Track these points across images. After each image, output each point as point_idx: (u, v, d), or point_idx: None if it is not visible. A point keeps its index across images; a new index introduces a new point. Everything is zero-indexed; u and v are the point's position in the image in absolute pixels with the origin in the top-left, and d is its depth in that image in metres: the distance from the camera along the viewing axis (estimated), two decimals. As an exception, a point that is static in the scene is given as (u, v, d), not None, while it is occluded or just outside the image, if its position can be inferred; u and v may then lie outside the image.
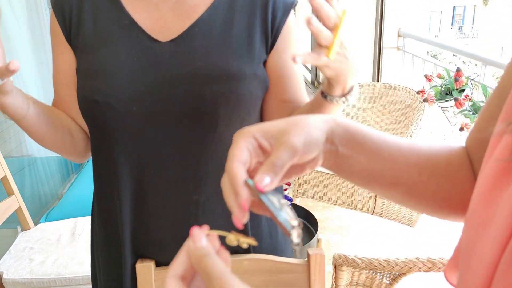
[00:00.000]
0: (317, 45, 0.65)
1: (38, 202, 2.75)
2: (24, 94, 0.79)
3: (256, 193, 0.42)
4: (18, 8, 2.69)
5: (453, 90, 2.16)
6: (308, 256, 0.89)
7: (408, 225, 2.04)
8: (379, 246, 2.27)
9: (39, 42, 2.82)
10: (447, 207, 0.51)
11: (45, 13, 2.81)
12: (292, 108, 0.86)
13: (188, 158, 0.80)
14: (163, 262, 0.88)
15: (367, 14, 2.96)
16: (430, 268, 1.27)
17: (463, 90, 2.16)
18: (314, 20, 0.61)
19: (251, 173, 0.45)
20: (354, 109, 2.72)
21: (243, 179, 0.43)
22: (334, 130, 0.49)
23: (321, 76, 3.56)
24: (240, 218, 0.43)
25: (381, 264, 1.32)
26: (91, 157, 0.91)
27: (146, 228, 0.85)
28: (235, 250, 0.88)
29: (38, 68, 2.81)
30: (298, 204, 2.29)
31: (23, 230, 1.93)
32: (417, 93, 2.33)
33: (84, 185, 2.52)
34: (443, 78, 2.29)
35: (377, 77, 3.02)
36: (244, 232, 0.87)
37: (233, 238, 0.43)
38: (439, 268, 1.26)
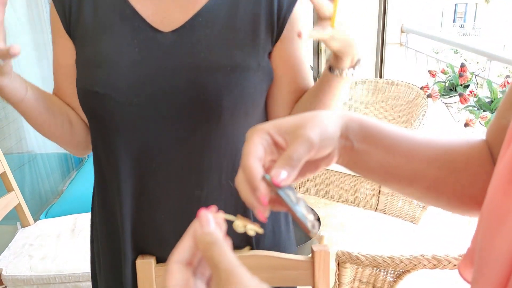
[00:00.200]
0: (318, 19, 0.66)
1: (38, 198, 2.73)
2: (22, 78, 0.78)
3: (273, 188, 0.41)
4: (18, 3, 2.67)
5: (457, 85, 2.14)
6: (313, 252, 0.87)
7: (411, 222, 2.02)
8: (382, 244, 2.25)
9: (39, 37, 2.80)
10: (468, 202, 0.49)
11: (45, 9, 2.78)
12: (299, 99, 0.84)
13: (191, 152, 0.78)
14: (164, 258, 0.86)
15: (370, 10, 2.94)
16: (435, 265, 1.25)
17: (467, 86, 2.14)
18: (306, 31, 0.62)
19: (266, 171, 0.44)
20: (357, 105, 2.70)
21: (260, 174, 0.42)
22: (349, 125, 0.47)
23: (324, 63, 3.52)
24: (263, 212, 0.42)
25: (385, 261, 1.30)
26: (91, 153, 0.89)
27: (147, 222, 0.83)
28: (237, 246, 0.86)
29: (38, 63, 2.79)
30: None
31: (22, 226, 1.91)
32: (421, 88, 2.31)
33: (84, 182, 2.50)
34: (447, 74, 2.27)
35: (380, 73, 2.99)
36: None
37: (240, 224, 0.41)
38: (445, 265, 1.24)
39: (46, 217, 2.16)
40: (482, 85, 2.21)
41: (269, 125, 0.45)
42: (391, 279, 1.41)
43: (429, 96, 2.22)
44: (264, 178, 0.42)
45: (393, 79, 2.63)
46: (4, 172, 1.79)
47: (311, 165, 0.48)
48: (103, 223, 0.89)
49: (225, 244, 0.35)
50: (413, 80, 2.59)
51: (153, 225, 0.83)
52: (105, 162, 0.83)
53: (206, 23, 0.77)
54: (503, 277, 0.35)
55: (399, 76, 2.85)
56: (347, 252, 1.34)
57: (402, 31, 3.04)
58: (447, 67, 2.36)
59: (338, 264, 1.37)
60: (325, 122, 0.45)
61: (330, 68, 0.75)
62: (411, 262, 1.27)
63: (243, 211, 0.81)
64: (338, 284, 1.41)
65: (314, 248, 0.87)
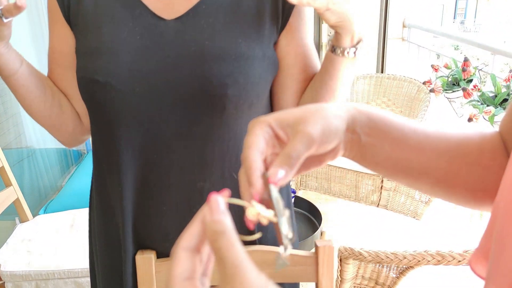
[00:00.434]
0: None
1: (37, 194, 2.72)
2: (17, 52, 0.77)
3: (269, 188, 0.39)
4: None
5: (460, 80, 2.11)
6: (316, 247, 0.85)
7: (414, 217, 2.00)
8: (384, 239, 2.23)
9: (37, 30, 2.78)
10: (481, 196, 0.48)
11: (43, 0, 2.76)
12: (304, 88, 0.82)
13: (193, 143, 0.76)
14: (164, 252, 0.84)
15: (371, 4, 2.91)
16: (439, 261, 1.23)
17: (470, 81, 2.12)
18: None
19: (267, 165, 0.42)
20: (358, 100, 2.68)
21: (260, 170, 0.40)
22: (356, 118, 0.46)
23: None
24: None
25: (388, 257, 1.28)
26: (90, 149, 0.87)
27: (148, 215, 0.81)
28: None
29: (37, 58, 2.76)
30: (301, 196, 2.25)
31: (21, 222, 1.90)
32: (424, 83, 2.28)
33: (84, 177, 2.49)
34: (450, 68, 2.25)
35: (382, 68, 2.97)
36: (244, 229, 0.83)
37: (254, 211, 0.39)
38: (449, 261, 1.22)
39: (45, 212, 2.14)
40: (485, 80, 2.19)
41: (270, 118, 0.43)
42: (394, 275, 1.39)
43: (431, 91, 2.20)
44: (263, 176, 0.40)
45: (395, 74, 2.61)
46: (2, 167, 1.78)
47: (315, 160, 0.46)
48: (102, 217, 0.87)
49: (234, 235, 0.33)
50: (415, 75, 2.57)
51: (154, 217, 0.81)
52: (105, 153, 0.81)
53: (209, 11, 0.75)
54: None
55: (401, 71, 2.83)
56: (349, 248, 1.32)
57: (404, 26, 3.01)
58: (451, 61, 2.34)
59: (341, 260, 1.35)
60: (329, 116, 0.44)
61: (333, 49, 0.74)
62: (414, 258, 1.26)
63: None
64: (340, 280, 1.40)
65: (318, 244, 0.85)
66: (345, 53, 0.73)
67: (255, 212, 0.38)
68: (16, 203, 1.84)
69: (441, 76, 2.29)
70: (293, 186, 2.47)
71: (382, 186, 2.09)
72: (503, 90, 1.93)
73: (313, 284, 0.89)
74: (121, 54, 0.73)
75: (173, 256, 0.35)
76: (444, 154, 0.47)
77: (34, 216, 1.95)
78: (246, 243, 0.89)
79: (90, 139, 0.88)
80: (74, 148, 3.14)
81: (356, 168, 2.22)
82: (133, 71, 0.73)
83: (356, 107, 0.47)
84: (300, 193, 2.42)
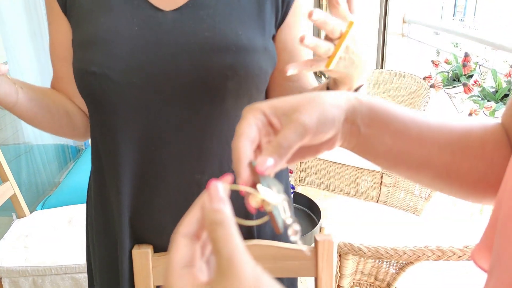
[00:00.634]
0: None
1: (34, 190, 2.71)
2: (10, 80, 0.75)
3: (257, 177, 0.38)
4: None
5: (461, 75, 2.10)
6: (316, 242, 0.84)
7: (413, 213, 1.99)
8: (384, 235, 2.22)
9: (35, 26, 2.76)
10: (483, 189, 0.46)
11: (41, -2, 2.74)
12: (297, 89, 0.81)
13: (192, 135, 0.75)
14: (162, 247, 0.83)
15: (372, 0, 2.89)
16: (439, 256, 1.22)
17: (471, 76, 2.10)
18: (309, 38, 0.57)
19: (258, 154, 0.41)
20: (358, 96, 2.66)
21: (247, 159, 0.39)
22: (356, 108, 0.44)
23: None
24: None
25: (388, 253, 1.27)
26: (89, 145, 0.86)
27: (145, 209, 0.80)
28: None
29: (35, 53, 2.74)
30: (300, 192, 2.24)
31: (18, 217, 1.88)
32: (424, 78, 2.27)
33: (82, 173, 2.47)
34: (451, 64, 2.23)
35: (381, 64, 2.96)
36: (246, 216, 0.82)
37: (258, 198, 0.37)
38: (449, 256, 1.21)
39: (42, 208, 2.13)
40: (485, 75, 2.18)
41: (265, 105, 0.42)
42: (394, 271, 1.38)
43: (432, 86, 2.18)
44: (250, 164, 0.39)
45: (395, 69, 2.59)
46: (-1, 162, 1.76)
47: (311, 149, 0.45)
48: (99, 211, 0.86)
49: (233, 226, 0.32)
50: (415, 71, 2.56)
51: (151, 211, 0.80)
52: (103, 146, 0.80)
53: (209, 2, 0.73)
54: None
55: (401, 67, 2.82)
56: (349, 243, 1.31)
57: (404, 22, 3.00)
58: (451, 56, 2.32)
59: (340, 255, 1.34)
60: (326, 105, 0.42)
61: (328, 89, 0.71)
62: (414, 254, 1.24)
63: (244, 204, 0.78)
64: (340, 276, 1.39)
65: (318, 238, 0.84)
66: None
67: (259, 199, 0.37)
68: (13, 198, 1.83)
69: (442, 72, 2.27)
70: (292, 182, 2.46)
71: (381, 182, 2.08)
72: (504, 85, 1.92)
73: (312, 279, 0.88)
74: (118, 45, 0.72)
75: (172, 243, 0.34)
76: (446, 146, 0.45)
77: (31, 212, 1.93)
78: (245, 237, 0.88)
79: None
80: (72, 144, 3.13)
81: (355, 164, 2.21)
82: (131, 63, 0.72)
83: (357, 97, 0.45)
84: (299, 189, 2.41)
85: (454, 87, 2.18)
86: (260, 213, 0.38)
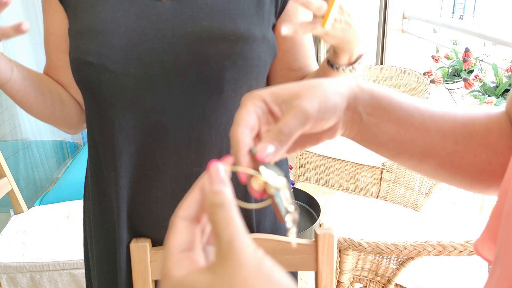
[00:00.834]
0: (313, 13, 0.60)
1: (33, 186, 2.69)
2: (6, 57, 0.73)
3: (257, 164, 0.36)
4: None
5: (461, 71, 2.09)
6: (316, 236, 0.83)
7: (414, 209, 1.98)
8: (383, 231, 2.21)
9: (33, 21, 2.74)
10: (487, 179, 0.45)
11: (39, -9, 2.72)
12: (300, 78, 0.80)
13: (190, 126, 0.74)
14: (160, 240, 0.82)
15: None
16: (440, 252, 1.21)
17: (471, 71, 2.09)
18: None
19: (258, 143, 0.39)
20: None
21: (247, 146, 0.37)
22: (358, 96, 0.43)
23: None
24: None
25: (388, 248, 1.26)
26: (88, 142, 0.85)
27: (143, 201, 0.79)
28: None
29: (33, 47, 2.73)
30: (299, 188, 2.23)
31: (16, 213, 1.87)
32: (424, 74, 2.26)
33: (80, 169, 2.46)
34: (451, 59, 2.22)
35: (381, 60, 2.95)
36: (246, 211, 0.81)
37: (261, 180, 0.36)
38: (450, 251, 1.21)
39: (40, 204, 2.12)
40: (486, 71, 2.17)
41: (265, 92, 0.41)
42: (394, 267, 1.37)
43: (432, 81, 2.17)
44: (250, 152, 0.37)
45: (394, 65, 2.58)
46: (-4, 157, 1.75)
47: (312, 137, 0.44)
48: (97, 204, 0.85)
49: (234, 208, 0.30)
50: (415, 67, 2.55)
51: (149, 203, 0.79)
52: (100, 137, 0.78)
53: None
54: None
55: (400, 62, 2.80)
56: (349, 238, 1.30)
57: (404, 17, 2.98)
58: (451, 51, 2.31)
59: (340, 251, 1.33)
60: (328, 92, 0.41)
61: (329, 62, 0.71)
62: (415, 249, 1.24)
63: (244, 189, 0.77)
64: (339, 272, 1.38)
65: (318, 232, 0.83)
66: (341, 69, 0.70)
67: (261, 181, 0.35)
68: (10, 194, 1.82)
69: (442, 67, 2.26)
70: (291, 178, 2.45)
71: (381, 177, 2.07)
72: (505, 80, 1.91)
73: (311, 276, 0.87)
74: (115, 35, 0.71)
75: (170, 226, 0.32)
76: (449, 135, 0.44)
77: (29, 208, 1.92)
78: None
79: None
80: (71, 140, 3.12)
81: (355, 160, 2.20)
82: (128, 52, 0.70)
83: (359, 84, 0.44)
84: (298, 185, 2.40)
85: (454, 82, 2.17)
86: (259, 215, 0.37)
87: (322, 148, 2.32)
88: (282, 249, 0.84)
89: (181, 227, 0.32)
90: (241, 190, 0.75)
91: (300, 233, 1.82)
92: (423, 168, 0.47)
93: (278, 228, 0.87)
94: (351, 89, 0.43)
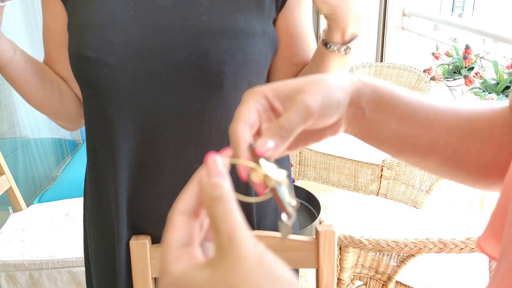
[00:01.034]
0: None
1: (31, 184, 2.69)
2: (10, 40, 0.73)
3: (257, 159, 0.36)
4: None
5: (461, 68, 2.08)
6: (317, 232, 0.82)
7: (414, 206, 1.98)
8: (384, 229, 2.21)
9: (31, 18, 2.73)
10: (492, 175, 0.45)
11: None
12: (300, 75, 0.79)
13: (190, 122, 0.73)
14: (159, 237, 0.81)
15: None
16: (441, 249, 1.21)
17: (472, 68, 2.08)
18: None
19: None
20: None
21: (246, 142, 0.37)
22: (361, 91, 0.42)
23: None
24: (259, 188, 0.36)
25: (389, 245, 1.26)
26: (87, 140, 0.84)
27: (143, 198, 0.78)
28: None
29: (31, 45, 2.72)
30: (299, 186, 2.23)
31: (14, 211, 1.86)
32: (424, 71, 2.25)
33: (79, 167, 2.46)
34: (451, 56, 2.21)
35: (381, 57, 2.94)
36: (246, 208, 0.80)
37: (260, 173, 0.35)
38: (451, 249, 1.20)
39: (39, 202, 2.11)
40: (486, 68, 2.16)
41: (266, 88, 0.40)
42: (395, 264, 1.37)
43: (432, 79, 2.17)
44: (250, 147, 0.37)
45: (394, 63, 2.57)
46: (-5, 155, 1.74)
47: (314, 134, 0.43)
48: (96, 201, 0.84)
49: (233, 201, 0.30)
50: (415, 64, 2.54)
51: (149, 200, 0.78)
52: (99, 134, 0.78)
53: None
54: None
55: (400, 60, 2.80)
56: (349, 236, 1.30)
57: (404, 15, 2.97)
58: (452, 49, 2.31)
59: (340, 248, 1.33)
60: (331, 87, 0.40)
61: (324, 42, 0.70)
62: (416, 246, 1.23)
63: (245, 186, 0.76)
64: (340, 269, 1.37)
65: (319, 228, 0.82)
66: (335, 49, 0.69)
67: (261, 173, 0.34)
68: (9, 192, 1.81)
69: (442, 64, 2.25)
70: (291, 176, 2.44)
71: (381, 175, 2.07)
72: (505, 77, 1.90)
73: (312, 274, 0.86)
74: (114, 30, 0.70)
75: (168, 221, 0.31)
76: (454, 130, 0.44)
77: (28, 205, 1.91)
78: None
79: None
80: (70, 138, 3.11)
81: (355, 157, 2.20)
82: (127, 47, 0.70)
83: (361, 79, 0.43)
84: (298, 183, 2.40)
85: (454, 79, 2.16)
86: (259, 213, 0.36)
87: (322, 145, 2.31)
88: (283, 246, 0.83)
89: (180, 221, 0.31)
90: (241, 185, 0.74)
91: (300, 230, 1.82)
92: (427, 164, 0.46)
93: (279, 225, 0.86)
94: (353, 84, 0.42)
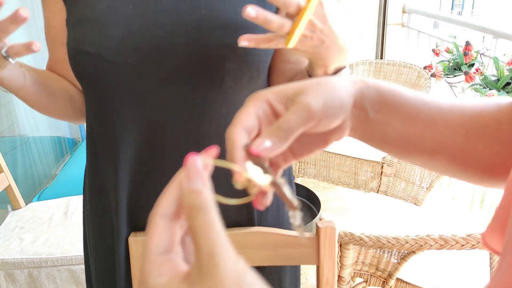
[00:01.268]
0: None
1: (31, 182, 2.68)
2: (19, 63, 0.73)
3: (254, 160, 0.35)
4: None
5: (462, 64, 2.08)
6: (318, 229, 0.82)
7: (414, 203, 1.97)
8: (384, 226, 2.21)
9: (30, 17, 2.72)
10: (500, 172, 0.44)
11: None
12: (295, 72, 0.78)
13: (190, 118, 0.73)
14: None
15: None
16: (442, 245, 1.20)
17: (472, 65, 2.08)
18: (257, 11, 0.52)
19: None
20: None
21: (241, 144, 0.36)
22: (364, 92, 0.41)
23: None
24: (260, 200, 0.36)
25: (389, 242, 1.25)
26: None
27: (142, 194, 0.78)
28: (237, 222, 0.81)
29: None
30: (299, 184, 2.22)
31: (13, 209, 1.86)
32: (424, 68, 2.25)
33: (79, 165, 2.45)
34: (452, 53, 2.21)
35: (381, 54, 2.93)
36: (247, 204, 0.79)
37: (244, 178, 0.34)
38: (452, 245, 1.20)
39: (38, 200, 2.10)
40: (487, 65, 2.15)
41: (268, 92, 0.39)
42: (395, 261, 1.36)
43: (432, 75, 2.16)
44: (246, 147, 0.36)
45: (394, 59, 2.57)
46: (-7, 153, 1.73)
47: (319, 139, 0.42)
48: (95, 198, 0.84)
49: (213, 211, 0.29)
50: (415, 61, 2.54)
51: (149, 196, 0.77)
52: (99, 129, 0.77)
53: None
54: None
55: (400, 57, 2.79)
56: (349, 232, 1.29)
57: (404, 11, 2.96)
58: (452, 45, 2.30)
59: (341, 245, 1.32)
60: (335, 88, 0.39)
61: (308, 73, 0.68)
62: (417, 243, 1.22)
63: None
64: (340, 266, 1.37)
65: (319, 225, 0.82)
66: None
67: (244, 178, 0.34)
68: (8, 190, 1.80)
69: (442, 61, 2.25)
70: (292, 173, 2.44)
71: (382, 172, 2.06)
72: (506, 73, 1.90)
73: (313, 269, 0.86)
74: (112, 24, 0.69)
75: (149, 224, 0.31)
76: (459, 128, 0.43)
77: (27, 203, 1.91)
78: (246, 224, 0.85)
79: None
80: (69, 136, 3.10)
81: (355, 155, 2.19)
82: (125, 42, 0.69)
83: (363, 80, 0.43)
84: (298, 181, 2.39)
85: (455, 76, 2.15)
86: (285, 219, 0.36)
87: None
88: (284, 243, 0.83)
89: (160, 226, 0.30)
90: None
91: (304, 226, 1.81)
92: (434, 164, 0.46)
93: (280, 221, 0.85)
94: (356, 85, 0.42)
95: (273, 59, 0.78)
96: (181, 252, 0.32)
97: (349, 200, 2.53)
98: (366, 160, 2.15)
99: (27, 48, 0.61)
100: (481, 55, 2.14)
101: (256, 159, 0.35)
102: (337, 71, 0.65)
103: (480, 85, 1.95)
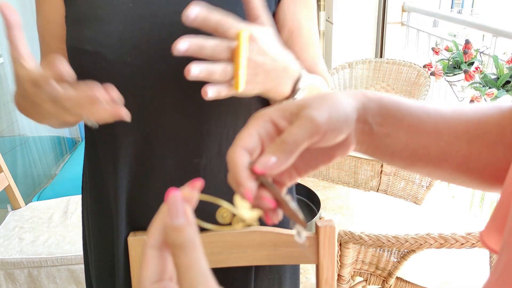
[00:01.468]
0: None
1: (30, 181, 2.68)
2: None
3: (258, 177, 0.35)
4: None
5: (461, 63, 2.07)
6: (317, 228, 0.82)
7: (414, 202, 1.97)
8: (384, 225, 2.21)
9: (29, 16, 2.71)
10: (504, 178, 0.44)
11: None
12: None
13: (189, 117, 0.72)
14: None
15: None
16: (442, 244, 1.20)
17: (472, 63, 2.08)
18: (196, 68, 0.53)
19: None
20: (357, 86, 2.64)
21: (244, 165, 0.36)
22: (367, 106, 0.41)
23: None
24: (271, 216, 0.37)
25: (389, 241, 1.25)
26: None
27: (142, 193, 0.78)
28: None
29: (29, 43, 2.70)
30: (299, 183, 2.22)
31: (13, 209, 1.86)
32: (424, 66, 2.24)
33: (78, 165, 2.44)
34: (451, 51, 2.20)
35: (381, 53, 2.93)
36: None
37: (226, 213, 0.34)
38: (451, 244, 1.19)
39: (38, 200, 2.10)
40: (487, 63, 2.15)
41: (272, 110, 0.39)
42: (395, 260, 1.36)
43: (432, 74, 2.16)
44: (249, 166, 0.36)
45: (394, 58, 2.56)
46: (-8, 153, 1.73)
47: (324, 155, 0.42)
48: (94, 197, 0.84)
49: (196, 249, 0.29)
50: (415, 60, 2.53)
51: (148, 195, 0.77)
52: (99, 129, 0.77)
53: None
54: None
55: (400, 56, 2.79)
56: (349, 231, 1.29)
57: (403, 10, 2.96)
58: (452, 43, 2.30)
59: (340, 244, 1.32)
60: (339, 102, 0.39)
61: None
62: (416, 242, 1.22)
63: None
64: (340, 265, 1.37)
65: (319, 224, 0.82)
66: (278, 102, 0.65)
67: (228, 213, 0.34)
68: (7, 190, 1.80)
69: (442, 59, 2.24)
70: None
71: (382, 171, 2.06)
72: (506, 71, 1.90)
73: (312, 268, 0.85)
74: (112, 22, 0.69)
75: (142, 256, 0.32)
76: (463, 136, 0.42)
77: (26, 203, 1.91)
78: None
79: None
80: (69, 136, 3.10)
81: (355, 153, 2.19)
82: (124, 40, 0.69)
83: (364, 93, 0.42)
84: (298, 180, 2.39)
85: (455, 74, 2.15)
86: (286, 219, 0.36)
87: (321, 142, 2.30)
88: (283, 242, 0.82)
89: (151, 257, 0.31)
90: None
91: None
92: (439, 173, 0.45)
93: (280, 221, 0.85)
94: (358, 99, 0.41)
95: None
96: (174, 277, 0.32)
97: (349, 199, 2.53)
98: (366, 159, 2.14)
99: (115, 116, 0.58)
100: (481, 54, 2.14)
101: (261, 178, 0.35)
102: (293, 91, 0.64)
103: (480, 83, 1.95)
